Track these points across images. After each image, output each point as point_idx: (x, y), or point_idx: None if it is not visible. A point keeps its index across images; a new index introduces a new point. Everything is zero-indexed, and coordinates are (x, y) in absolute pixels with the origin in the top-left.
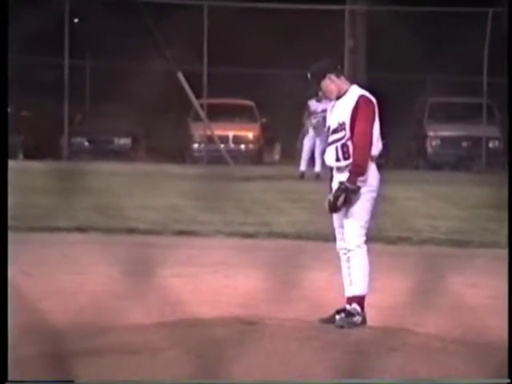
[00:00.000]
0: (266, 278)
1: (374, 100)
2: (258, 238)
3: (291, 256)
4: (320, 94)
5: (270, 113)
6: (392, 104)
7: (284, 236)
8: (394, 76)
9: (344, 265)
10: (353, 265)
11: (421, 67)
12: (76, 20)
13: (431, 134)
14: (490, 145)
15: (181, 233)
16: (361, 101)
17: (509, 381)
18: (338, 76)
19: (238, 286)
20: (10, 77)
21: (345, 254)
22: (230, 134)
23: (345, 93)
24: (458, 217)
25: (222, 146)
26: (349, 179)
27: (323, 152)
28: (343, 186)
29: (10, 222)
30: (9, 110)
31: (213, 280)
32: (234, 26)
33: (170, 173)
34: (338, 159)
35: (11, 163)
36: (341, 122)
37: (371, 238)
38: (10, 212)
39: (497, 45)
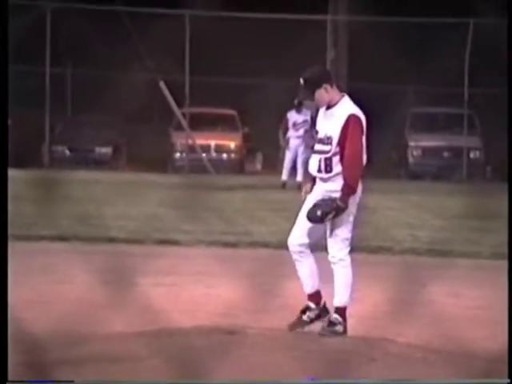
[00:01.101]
0: (247, 288)
1: (363, 117)
2: (239, 248)
3: (272, 265)
4: (303, 103)
5: (252, 122)
6: (373, 114)
7: (265, 245)
8: (375, 86)
9: (296, 265)
10: (336, 277)
11: (402, 78)
12: (57, 29)
13: (412, 144)
14: (471, 155)
15: (162, 242)
16: (351, 121)
17: (509, 381)
18: (331, 86)
19: (219, 295)
20: None
21: (294, 253)
22: (212, 143)
23: (335, 103)
24: (439, 227)
25: (204, 155)
26: (341, 199)
27: (305, 162)
28: (335, 205)
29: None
30: None
31: (194, 289)
32: (215, 35)
33: (151, 182)
34: (319, 170)
35: None
36: (328, 135)
37: (352, 247)
38: None
39: (478, 56)
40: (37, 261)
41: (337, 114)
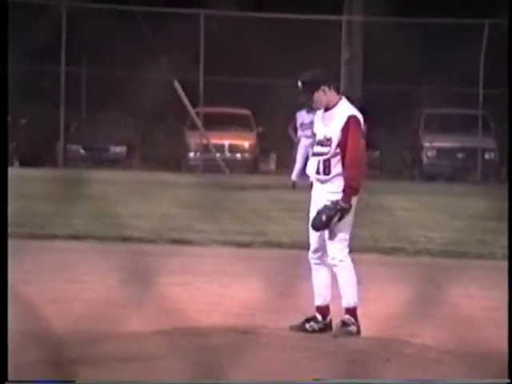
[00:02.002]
0: (261, 288)
1: (361, 118)
2: (253, 248)
3: (286, 265)
4: (313, 105)
5: (266, 122)
6: (388, 115)
7: (279, 245)
8: (390, 87)
9: (313, 274)
10: (340, 279)
11: (417, 78)
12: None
13: (427, 144)
14: (486, 156)
15: (176, 241)
16: (351, 122)
17: (509, 381)
18: (329, 88)
19: (233, 295)
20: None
21: (315, 264)
22: (226, 142)
23: (333, 105)
24: (453, 228)
25: (218, 154)
26: (344, 200)
27: None
28: (338, 207)
29: (8, 229)
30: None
31: (208, 289)
32: (230, 35)
33: (165, 181)
34: (318, 172)
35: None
36: (328, 137)
37: (366, 248)
38: (9, 219)
39: (493, 56)
40: (51, 260)
41: (336, 115)
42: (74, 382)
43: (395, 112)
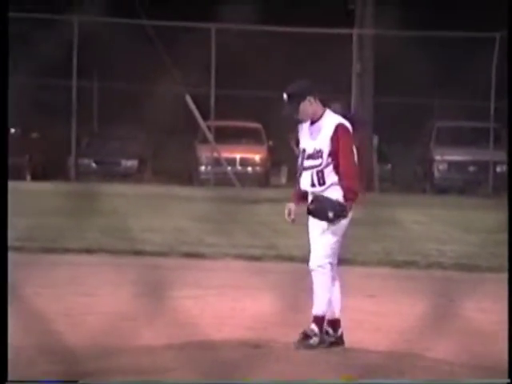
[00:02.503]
0: (272, 301)
1: (350, 127)
2: (264, 261)
3: (298, 279)
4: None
5: (277, 135)
6: (399, 128)
7: (291, 259)
8: (401, 100)
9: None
10: (315, 285)
11: (428, 91)
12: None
13: (438, 158)
14: (498, 169)
15: (187, 255)
16: (340, 130)
17: (509, 381)
18: (315, 99)
19: (244, 308)
20: (18, 99)
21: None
22: (237, 156)
23: (319, 117)
24: (465, 241)
25: (229, 168)
26: (349, 206)
27: None
28: (345, 212)
29: (20, 244)
30: (17, 131)
31: (219, 302)
32: (241, 48)
33: (176, 195)
34: (313, 185)
35: (19, 184)
36: (318, 148)
37: (378, 261)
38: (21, 233)
39: (504, 69)
40: (63, 273)
41: (323, 126)
42: (76, 382)
43: (406, 125)
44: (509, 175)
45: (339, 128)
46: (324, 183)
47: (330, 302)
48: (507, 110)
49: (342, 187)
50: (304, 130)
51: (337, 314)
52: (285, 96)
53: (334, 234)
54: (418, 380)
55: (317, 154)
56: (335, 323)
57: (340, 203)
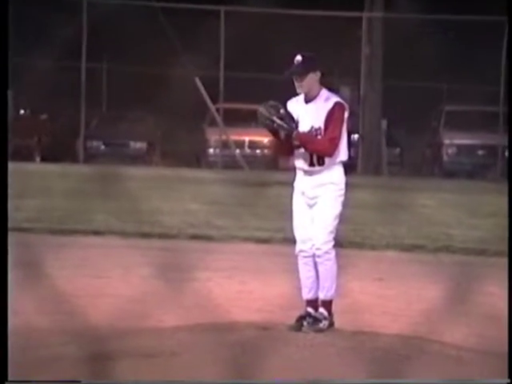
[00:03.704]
0: (280, 284)
1: (346, 107)
2: (272, 244)
3: None
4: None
5: None
6: (408, 111)
7: None
8: (410, 84)
9: (304, 268)
10: (321, 270)
11: (437, 75)
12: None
13: (447, 141)
14: (506, 153)
15: (196, 237)
16: (336, 108)
17: (509, 381)
18: (320, 76)
19: (252, 291)
20: (27, 80)
21: (305, 257)
22: (246, 139)
23: (315, 96)
24: (473, 225)
25: (238, 151)
26: (297, 134)
27: None
28: (288, 127)
29: (29, 225)
30: (27, 112)
31: (227, 285)
32: (250, 31)
33: (185, 177)
34: (312, 164)
35: (28, 166)
36: (316, 127)
37: (386, 245)
38: (29, 215)
39: None
40: (72, 255)
41: (321, 103)
42: (78, 382)
43: (415, 109)
44: (509, 163)
45: (337, 105)
46: (323, 163)
47: (315, 281)
48: (507, 101)
49: (319, 139)
50: (299, 107)
51: (317, 294)
52: (299, 57)
53: (332, 215)
54: (418, 380)
55: (315, 132)
56: (316, 303)
57: (293, 121)
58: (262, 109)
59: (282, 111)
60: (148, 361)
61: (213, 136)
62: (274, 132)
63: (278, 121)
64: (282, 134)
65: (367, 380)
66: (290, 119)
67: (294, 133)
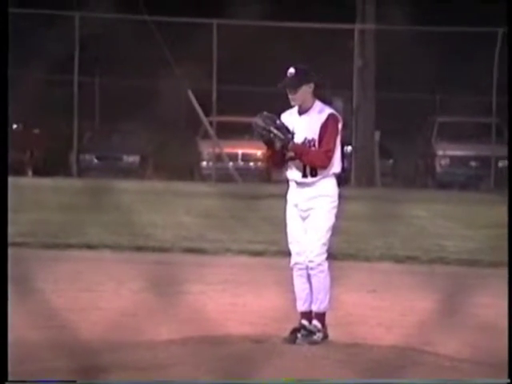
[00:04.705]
0: (274, 296)
1: (340, 119)
2: (266, 256)
3: None
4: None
5: None
6: (401, 123)
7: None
8: (403, 95)
9: (299, 280)
10: (314, 282)
11: (430, 86)
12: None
13: (440, 153)
14: (500, 164)
15: (189, 250)
16: (330, 119)
17: (509, 381)
18: (313, 88)
19: (246, 303)
20: (20, 94)
21: (301, 269)
22: (239, 151)
23: (309, 108)
24: (466, 236)
25: (231, 163)
26: (294, 145)
27: None
28: (287, 141)
29: (22, 239)
30: (19, 126)
31: (221, 298)
32: (243, 44)
33: (178, 190)
34: (305, 175)
35: (20, 180)
36: (310, 138)
37: (380, 256)
38: (22, 229)
39: (506, 64)
40: (65, 269)
41: (315, 116)
42: (74, 382)
43: (408, 120)
44: (509, 171)
45: (331, 117)
46: (316, 174)
47: (310, 293)
48: (508, 106)
49: (316, 151)
50: (293, 119)
51: (311, 306)
52: (292, 70)
53: (325, 227)
54: (418, 380)
55: (309, 144)
56: (310, 315)
57: (290, 133)
58: (257, 119)
59: (278, 122)
60: (141, 374)
61: (206, 149)
62: (270, 143)
63: (275, 131)
64: (278, 144)
65: (364, 380)
66: (286, 130)
67: (290, 144)
